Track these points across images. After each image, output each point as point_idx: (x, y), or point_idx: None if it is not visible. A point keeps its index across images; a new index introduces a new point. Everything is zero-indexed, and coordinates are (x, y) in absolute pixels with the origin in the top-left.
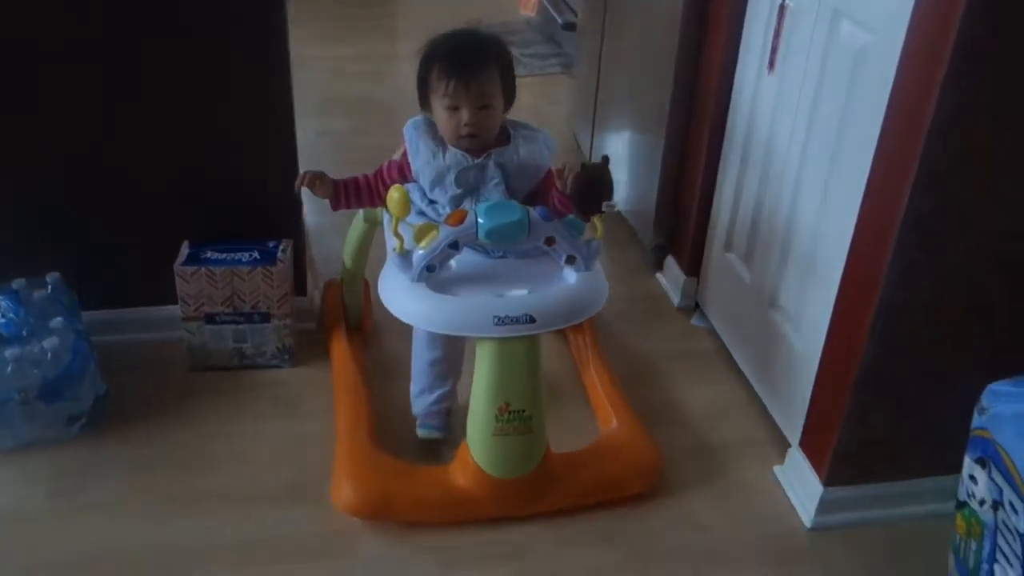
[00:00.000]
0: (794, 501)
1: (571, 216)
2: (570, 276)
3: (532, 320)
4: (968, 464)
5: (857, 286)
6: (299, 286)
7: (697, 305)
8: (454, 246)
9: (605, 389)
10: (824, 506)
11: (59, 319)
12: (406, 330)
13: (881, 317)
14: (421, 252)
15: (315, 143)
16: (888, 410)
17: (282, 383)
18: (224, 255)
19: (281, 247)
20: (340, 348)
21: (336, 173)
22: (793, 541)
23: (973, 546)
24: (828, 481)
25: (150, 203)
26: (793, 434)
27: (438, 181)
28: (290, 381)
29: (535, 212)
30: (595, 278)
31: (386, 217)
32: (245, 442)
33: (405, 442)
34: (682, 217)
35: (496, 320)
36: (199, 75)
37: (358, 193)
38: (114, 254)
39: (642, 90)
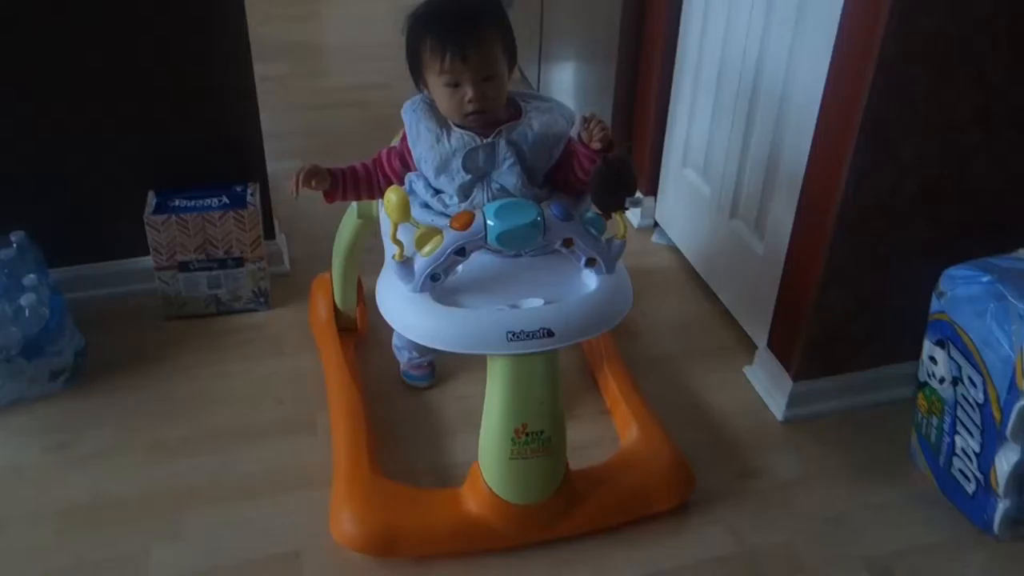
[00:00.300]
0: (765, 397)
1: (591, 214)
2: (590, 280)
3: (550, 334)
4: (928, 347)
5: (818, 190)
6: (267, 230)
7: (656, 223)
8: (460, 252)
9: (623, 391)
10: (794, 399)
11: (32, 276)
12: None
13: (843, 217)
14: (424, 260)
15: (259, 89)
16: (851, 304)
17: (260, 325)
18: (193, 202)
19: (249, 190)
20: (334, 360)
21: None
22: (767, 434)
23: (934, 422)
24: (797, 376)
25: (111, 155)
26: (760, 337)
27: (443, 168)
28: (268, 323)
29: (551, 211)
30: (618, 281)
31: (383, 217)
32: (229, 383)
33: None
34: (637, 138)
35: (510, 336)
36: (155, 23)
37: (356, 184)
38: (80, 209)
39: (590, 16)
